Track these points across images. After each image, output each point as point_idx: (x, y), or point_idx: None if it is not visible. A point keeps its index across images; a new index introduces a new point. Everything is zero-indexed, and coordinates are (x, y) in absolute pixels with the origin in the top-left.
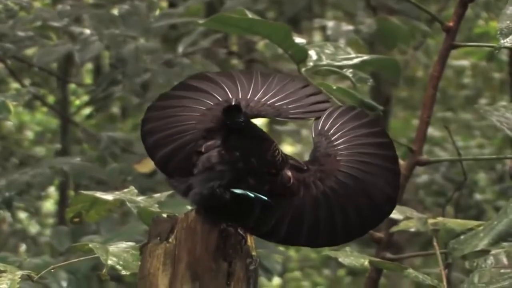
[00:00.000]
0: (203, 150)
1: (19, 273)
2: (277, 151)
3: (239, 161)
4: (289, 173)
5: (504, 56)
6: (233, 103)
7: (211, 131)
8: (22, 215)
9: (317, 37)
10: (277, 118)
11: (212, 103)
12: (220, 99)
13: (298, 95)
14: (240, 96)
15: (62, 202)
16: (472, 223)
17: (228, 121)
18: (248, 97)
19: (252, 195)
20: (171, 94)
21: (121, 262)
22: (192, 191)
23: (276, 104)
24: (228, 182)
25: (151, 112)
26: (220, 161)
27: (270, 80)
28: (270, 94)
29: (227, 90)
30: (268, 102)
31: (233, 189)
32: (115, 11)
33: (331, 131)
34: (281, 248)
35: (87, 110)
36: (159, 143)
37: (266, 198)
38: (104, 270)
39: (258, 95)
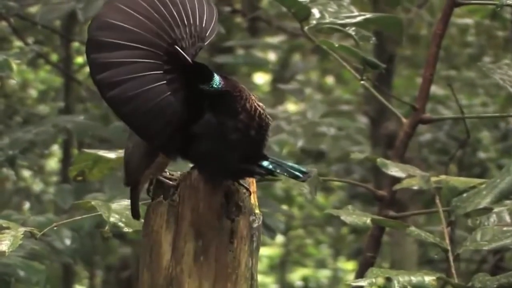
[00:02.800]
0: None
1: (22, 229)
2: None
3: (250, 128)
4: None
5: (507, 14)
6: (195, 65)
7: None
8: (26, 173)
9: None
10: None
11: (151, 48)
12: (154, 38)
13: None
14: (168, 33)
15: (66, 160)
16: (475, 181)
17: (204, 87)
18: (175, 33)
19: (282, 171)
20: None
21: (123, 220)
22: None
23: (196, 30)
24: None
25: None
26: (233, 130)
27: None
28: (185, 19)
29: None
30: (190, 32)
31: (261, 162)
32: None
33: None
34: (285, 207)
35: None
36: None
37: (300, 173)
38: (106, 227)
39: (179, 25)
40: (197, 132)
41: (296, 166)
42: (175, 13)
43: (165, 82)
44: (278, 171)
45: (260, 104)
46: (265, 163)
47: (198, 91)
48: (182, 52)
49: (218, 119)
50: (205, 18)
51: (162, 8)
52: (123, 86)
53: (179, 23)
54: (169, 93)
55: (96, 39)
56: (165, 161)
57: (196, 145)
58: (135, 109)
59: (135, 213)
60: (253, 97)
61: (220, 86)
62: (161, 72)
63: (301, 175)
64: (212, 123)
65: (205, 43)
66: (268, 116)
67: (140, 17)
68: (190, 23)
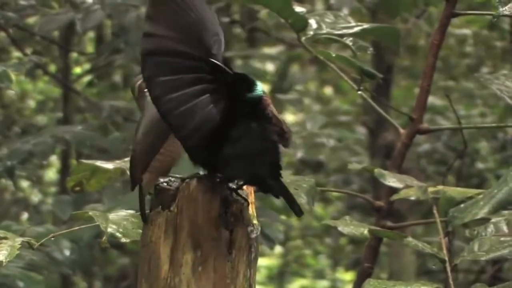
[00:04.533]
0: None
1: (19, 240)
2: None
3: (283, 133)
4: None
5: (505, 24)
6: (235, 74)
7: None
8: (24, 183)
9: (320, 5)
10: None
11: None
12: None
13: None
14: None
15: (64, 171)
16: (472, 191)
17: (250, 95)
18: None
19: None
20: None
21: (121, 230)
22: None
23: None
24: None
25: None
26: (272, 132)
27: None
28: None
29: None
30: (211, 39)
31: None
32: None
33: None
34: (283, 217)
35: (88, 78)
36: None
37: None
38: (104, 238)
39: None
40: (235, 136)
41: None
42: (201, 21)
43: (209, 94)
44: (288, 197)
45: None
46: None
47: (239, 99)
48: (222, 65)
49: (258, 123)
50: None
51: (193, 17)
52: (178, 99)
53: (208, 33)
54: (212, 105)
55: (148, 60)
56: (167, 159)
57: (230, 147)
58: (185, 121)
59: (143, 216)
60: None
61: (262, 92)
62: (205, 83)
63: (297, 210)
64: (251, 127)
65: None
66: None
67: (181, 26)
68: (211, 31)
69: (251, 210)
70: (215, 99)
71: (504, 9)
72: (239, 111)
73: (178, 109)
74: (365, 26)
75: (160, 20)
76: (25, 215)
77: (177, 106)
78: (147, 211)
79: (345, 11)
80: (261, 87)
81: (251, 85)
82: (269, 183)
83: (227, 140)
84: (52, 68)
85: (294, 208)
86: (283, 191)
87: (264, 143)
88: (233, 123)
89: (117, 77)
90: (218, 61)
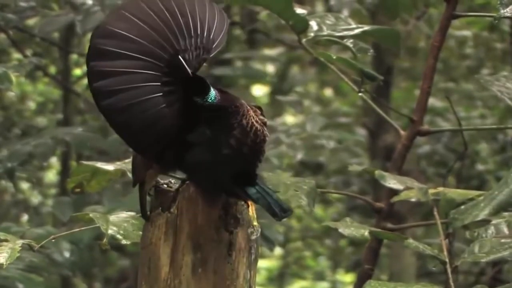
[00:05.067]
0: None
1: (20, 242)
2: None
3: (243, 145)
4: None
5: (506, 26)
6: (194, 78)
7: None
8: (24, 185)
9: (320, 7)
10: (210, 56)
11: (152, 59)
12: (156, 49)
13: (206, 16)
14: (172, 44)
15: (64, 173)
16: (473, 193)
17: (198, 100)
18: (179, 44)
19: (268, 201)
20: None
21: (121, 232)
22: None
23: (202, 41)
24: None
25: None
26: (225, 144)
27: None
28: (192, 30)
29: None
30: (196, 43)
31: (247, 187)
32: None
33: None
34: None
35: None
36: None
37: (280, 211)
38: (104, 240)
39: (185, 36)
40: (191, 142)
41: (279, 202)
42: (182, 24)
43: (161, 94)
44: (260, 202)
45: (260, 120)
46: (252, 191)
47: (196, 104)
48: (184, 64)
49: (212, 132)
50: (214, 29)
51: (169, 19)
52: (119, 96)
53: (185, 34)
54: (164, 105)
55: (97, 47)
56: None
57: (189, 155)
58: (128, 119)
59: (144, 215)
60: (251, 114)
61: (215, 100)
62: (159, 83)
63: (278, 214)
64: (205, 134)
65: (211, 55)
66: (265, 133)
67: (145, 27)
68: (197, 34)
69: (251, 211)
70: (168, 100)
71: (505, 10)
72: (199, 116)
73: (120, 104)
74: (366, 28)
75: (127, 16)
76: (25, 217)
77: (120, 101)
78: (148, 212)
79: (345, 12)
80: (214, 95)
81: (204, 91)
82: (235, 192)
83: (187, 149)
84: (52, 69)
85: (270, 212)
86: (254, 200)
87: (216, 154)
88: (191, 128)
89: None
90: (190, 66)
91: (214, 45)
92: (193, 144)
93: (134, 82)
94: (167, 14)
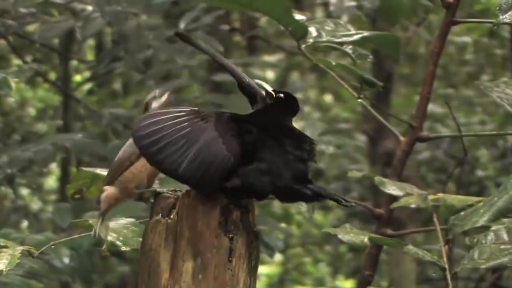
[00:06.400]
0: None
1: (20, 248)
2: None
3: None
4: None
5: (505, 32)
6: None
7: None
8: (24, 191)
9: (319, 13)
10: None
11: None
12: None
13: None
14: None
15: (64, 179)
16: (472, 199)
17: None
18: None
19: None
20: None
21: (121, 238)
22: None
23: None
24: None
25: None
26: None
27: None
28: None
29: None
30: None
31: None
32: None
33: None
34: (283, 225)
35: (88, 86)
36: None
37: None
38: (104, 246)
39: None
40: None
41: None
42: None
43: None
44: (324, 194)
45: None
46: (313, 187)
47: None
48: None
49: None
50: None
51: None
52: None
53: None
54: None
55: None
56: (131, 178)
57: (250, 163)
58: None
59: (96, 232)
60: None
61: None
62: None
63: (343, 201)
64: (270, 142)
65: None
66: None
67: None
68: None
69: (251, 218)
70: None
71: (504, 17)
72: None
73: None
74: (365, 34)
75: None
76: (25, 223)
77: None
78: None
79: (344, 18)
80: None
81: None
82: (303, 192)
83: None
84: (52, 75)
85: (335, 200)
86: (321, 193)
87: (282, 157)
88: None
89: (117, 85)
90: None
91: None
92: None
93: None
94: None
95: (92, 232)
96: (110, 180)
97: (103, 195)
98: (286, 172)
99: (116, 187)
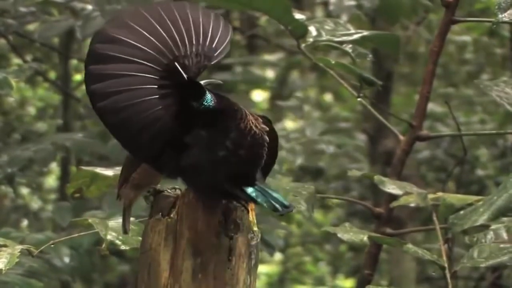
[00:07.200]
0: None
1: (19, 247)
2: (248, 119)
3: (240, 148)
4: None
5: (505, 31)
6: (190, 82)
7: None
8: (24, 190)
9: (319, 12)
10: (211, 63)
11: (150, 63)
12: (154, 54)
13: (207, 25)
14: (171, 50)
15: (64, 178)
16: (472, 198)
17: (194, 104)
18: (179, 50)
19: (264, 202)
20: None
21: (120, 237)
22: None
23: (204, 49)
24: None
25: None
26: (221, 146)
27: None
28: (194, 38)
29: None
30: (197, 50)
31: (244, 187)
32: None
33: None
34: (283, 224)
35: None
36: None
37: (281, 207)
38: (103, 245)
39: (186, 44)
40: (188, 144)
41: (280, 198)
42: (183, 31)
43: (157, 96)
44: (259, 200)
45: (259, 126)
46: (249, 190)
47: (193, 108)
48: (180, 69)
49: (208, 134)
50: (217, 37)
51: (170, 25)
52: (115, 97)
53: (186, 41)
54: (160, 107)
55: (95, 52)
56: (143, 175)
57: (186, 157)
58: (123, 120)
59: (123, 228)
60: (250, 119)
61: (211, 104)
62: (156, 86)
63: (280, 209)
64: (201, 136)
65: (212, 62)
66: (265, 138)
67: (145, 33)
68: (198, 41)
69: (251, 217)
70: (164, 103)
71: (503, 15)
72: (196, 120)
73: (116, 106)
74: (365, 33)
75: (127, 23)
76: (25, 222)
77: (115, 102)
78: (147, 218)
79: (344, 18)
80: (210, 99)
81: (200, 95)
82: (233, 192)
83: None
84: (52, 75)
85: (271, 207)
86: (253, 199)
87: (212, 156)
88: (188, 131)
89: None
90: (188, 71)
91: (216, 53)
92: (190, 146)
93: (131, 84)
94: (168, 22)
95: (121, 228)
96: (125, 177)
97: (123, 192)
98: (217, 172)
99: (131, 184)
